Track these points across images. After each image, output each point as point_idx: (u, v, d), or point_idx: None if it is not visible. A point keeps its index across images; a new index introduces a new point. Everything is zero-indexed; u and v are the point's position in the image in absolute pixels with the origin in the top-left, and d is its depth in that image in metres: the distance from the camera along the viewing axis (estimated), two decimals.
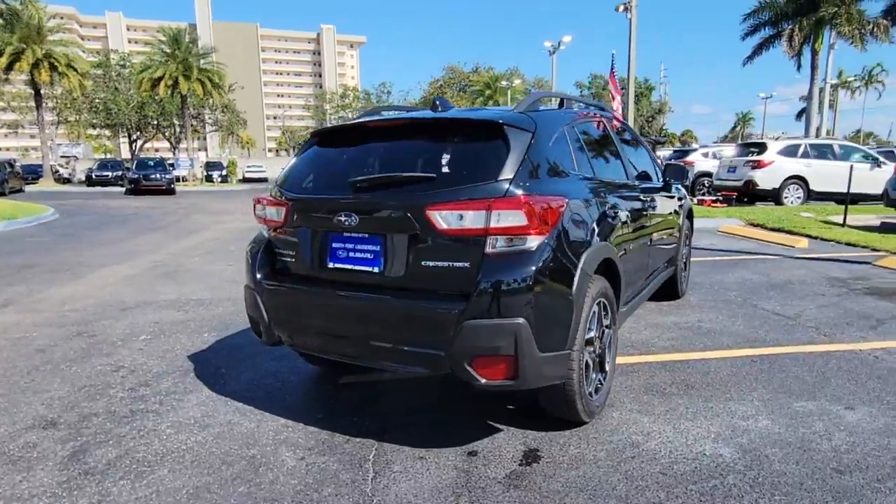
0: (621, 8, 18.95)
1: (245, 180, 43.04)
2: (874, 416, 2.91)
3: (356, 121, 3.09)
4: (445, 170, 2.50)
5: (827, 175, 13.30)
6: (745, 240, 9.02)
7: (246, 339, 4.35)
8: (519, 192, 2.39)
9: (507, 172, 2.44)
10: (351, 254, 2.68)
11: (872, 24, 27.79)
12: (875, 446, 2.61)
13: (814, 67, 30.24)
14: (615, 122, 4.11)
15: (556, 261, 2.43)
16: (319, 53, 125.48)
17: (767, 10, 29.66)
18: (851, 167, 10.84)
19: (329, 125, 3.53)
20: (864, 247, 7.85)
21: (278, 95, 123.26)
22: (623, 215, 3.26)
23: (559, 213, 2.48)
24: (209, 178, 36.25)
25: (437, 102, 3.13)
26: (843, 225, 9.71)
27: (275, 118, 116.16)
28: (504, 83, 49.49)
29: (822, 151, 13.90)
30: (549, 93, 3.12)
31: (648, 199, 3.90)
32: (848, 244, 8.13)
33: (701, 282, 5.94)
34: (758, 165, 13.42)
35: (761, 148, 13.82)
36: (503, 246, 2.36)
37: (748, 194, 13.85)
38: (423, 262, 2.46)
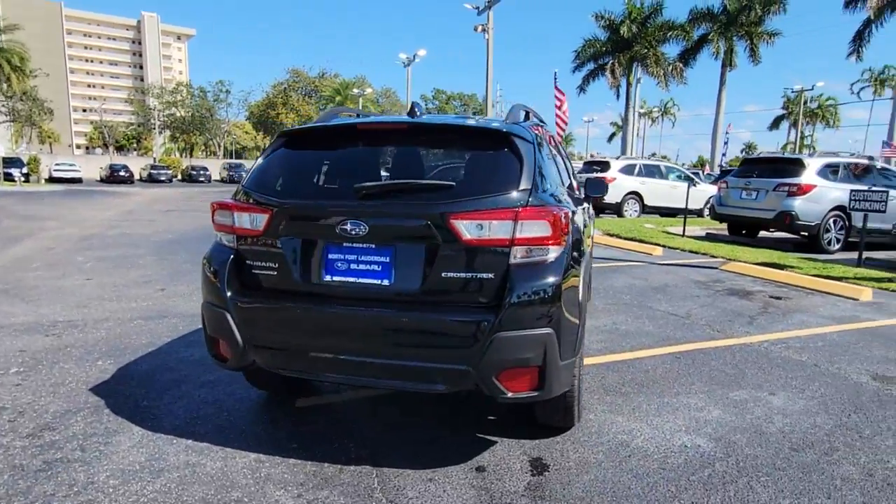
0: (479, 28, 19.99)
1: (54, 180, 37.04)
2: (793, 399, 3.41)
3: (346, 122, 2.86)
4: (463, 178, 2.42)
5: (657, 192, 15.39)
6: (609, 248, 10.01)
7: (153, 364, 3.77)
8: (538, 202, 2.40)
9: (524, 182, 2.43)
10: (353, 266, 2.46)
11: (671, 66, 32.80)
12: (808, 425, 3.06)
13: (628, 97, 34.87)
14: (554, 137, 4.32)
15: (570, 270, 2.47)
16: (140, 43, 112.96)
17: (592, 48, 33.59)
18: (689, 186, 12.65)
19: (300, 126, 3.27)
20: (703, 254, 9.18)
21: (88, 86, 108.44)
22: (582, 226, 3.44)
23: (570, 223, 2.54)
24: (8, 178, 30.50)
25: (416, 108, 3.02)
26: (682, 235, 11.26)
27: (84, 111, 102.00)
28: (356, 90, 49.24)
29: (652, 171, 16.00)
30: (523, 105, 3.17)
31: (588, 210, 4.16)
32: (691, 251, 9.44)
33: (596, 286, 6.46)
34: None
35: (604, 166, 15.47)
36: (526, 256, 2.34)
37: (595, 207, 15.42)
38: (443, 274, 2.35)
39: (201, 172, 46.64)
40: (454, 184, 2.42)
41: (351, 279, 2.45)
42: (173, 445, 2.71)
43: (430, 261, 2.36)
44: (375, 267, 2.43)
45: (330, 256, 2.49)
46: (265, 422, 3.03)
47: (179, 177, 48.50)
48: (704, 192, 15.80)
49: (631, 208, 15.35)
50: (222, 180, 46.90)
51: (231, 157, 66.18)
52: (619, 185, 15.02)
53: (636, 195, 15.35)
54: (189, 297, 5.65)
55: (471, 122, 2.84)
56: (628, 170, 15.50)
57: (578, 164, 16.95)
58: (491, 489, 2.40)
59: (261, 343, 2.55)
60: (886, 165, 12.36)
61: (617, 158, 16.58)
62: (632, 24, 31.36)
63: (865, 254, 8.22)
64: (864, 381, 3.74)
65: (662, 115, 71.05)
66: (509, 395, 2.32)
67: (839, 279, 6.96)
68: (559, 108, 16.42)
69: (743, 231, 11.62)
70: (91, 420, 2.95)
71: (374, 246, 2.43)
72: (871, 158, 11.17)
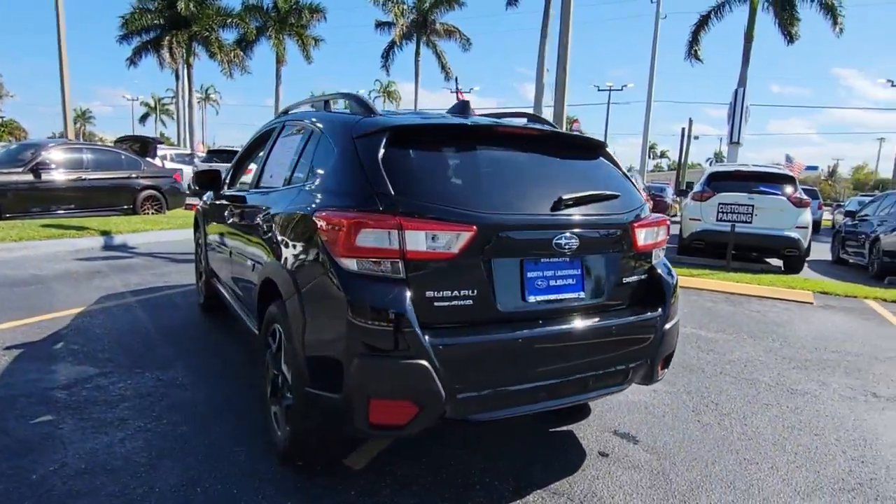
0: None
1: None
2: None
3: (484, 122, 2.48)
4: (611, 187, 2.57)
5: None
6: None
7: None
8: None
9: (641, 193, 2.79)
10: (552, 282, 2.29)
11: (232, 52, 32.72)
12: None
13: (190, 79, 32.96)
14: None
15: None
16: None
17: (142, 18, 30.07)
18: None
19: (435, 122, 2.46)
20: None
21: None
22: None
23: None
24: None
25: (464, 108, 2.84)
26: None
27: None
28: None
29: None
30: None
31: None
32: None
33: None
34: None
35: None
36: (658, 257, 2.73)
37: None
38: (622, 280, 2.50)
39: None
40: (619, 194, 2.56)
41: (552, 296, 2.29)
42: None
43: (613, 268, 2.47)
44: (570, 280, 2.35)
45: (529, 275, 2.24)
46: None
47: None
48: None
49: None
50: None
51: None
52: None
53: None
54: None
55: (568, 131, 2.90)
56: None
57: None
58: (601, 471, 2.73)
59: (466, 389, 2.06)
60: None
61: None
62: (190, 1, 29.49)
63: None
64: None
65: (205, 100, 68.97)
66: (660, 376, 2.69)
67: None
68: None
69: None
70: None
71: (567, 259, 2.34)
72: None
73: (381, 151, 2.18)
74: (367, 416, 2.02)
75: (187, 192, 13.63)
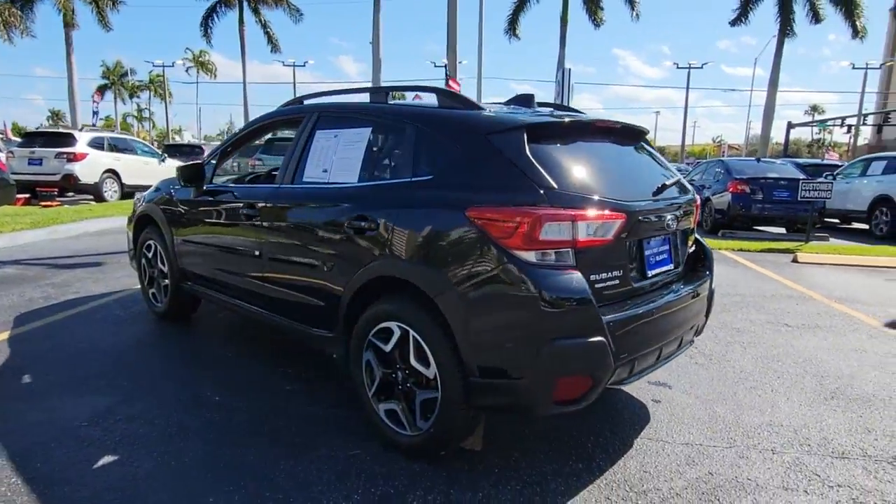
0: None
1: None
2: None
3: (586, 118, 2.66)
4: (672, 170, 2.97)
5: (134, 170, 13.84)
6: None
7: None
8: None
9: None
10: (657, 258, 2.64)
11: (7, 10, 27.35)
12: None
13: None
14: None
15: None
16: None
17: None
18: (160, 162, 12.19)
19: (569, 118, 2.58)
20: None
21: None
22: None
23: None
24: None
25: (528, 100, 3.03)
26: None
27: None
28: None
29: (123, 145, 14.13)
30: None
31: None
32: None
33: None
34: (74, 158, 12.25)
35: (68, 139, 12.55)
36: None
37: (70, 189, 12.46)
38: (687, 250, 2.93)
39: None
40: (681, 176, 2.96)
41: (660, 269, 2.65)
42: None
43: (684, 241, 2.89)
44: (664, 256, 2.71)
45: (646, 253, 2.56)
46: None
47: None
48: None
49: (110, 188, 13.25)
50: None
51: None
52: (92, 163, 12.69)
53: (114, 174, 13.33)
54: None
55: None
56: (97, 143, 13.16)
57: None
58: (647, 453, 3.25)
59: (623, 358, 2.33)
60: None
61: (81, 130, 13.66)
62: None
63: None
64: None
65: None
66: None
67: None
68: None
69: None
70: None
71: (662, 238, 2.69)
72: None
73: (528, 147, 2.31)
74: (553, 394, 2.19)
75: (13, 182, 11.40)
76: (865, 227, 12.36)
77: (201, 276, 3.94)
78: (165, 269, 4.31)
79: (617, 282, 2.39)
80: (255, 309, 3.46)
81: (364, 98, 3.47)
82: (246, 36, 31.39)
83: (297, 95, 3.70)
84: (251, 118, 32.03)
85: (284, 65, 46.50)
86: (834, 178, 12.11)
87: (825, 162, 20.43)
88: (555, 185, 2.23)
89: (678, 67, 46.17)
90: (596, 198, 2.29)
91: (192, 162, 3.82)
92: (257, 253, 3.31)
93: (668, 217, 2.63)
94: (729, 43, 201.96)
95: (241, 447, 2.65)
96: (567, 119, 2.60)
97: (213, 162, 3.92)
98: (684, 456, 2.69)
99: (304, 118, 3.29)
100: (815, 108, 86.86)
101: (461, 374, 2.30)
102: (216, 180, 3.97)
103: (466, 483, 2.41)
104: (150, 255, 4.49)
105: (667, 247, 2.75)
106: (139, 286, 4.90)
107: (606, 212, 2.28)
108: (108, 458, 2.54)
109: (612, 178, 2.54)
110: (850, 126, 26.90)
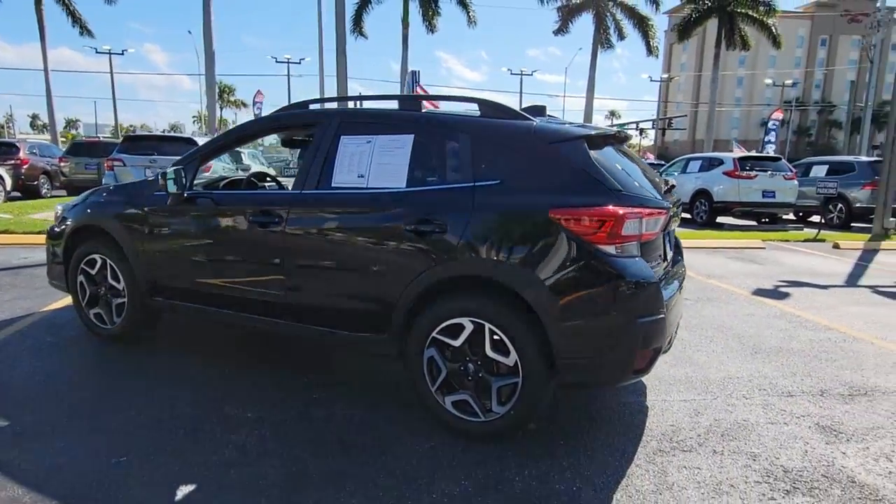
0: None
1: None
2: None
3: (605, 129, 3.02)
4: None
5: None
6: None
7: None
8: None
9: None
10: (668, 249, 3.14)
11: None
12: None
13: None
14: None
15: None
16: None
17: None
18: None
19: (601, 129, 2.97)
20: None
21: None
22: None
23: None
24: None
25: (541, 110, 3.37)
26: None
27: None
28: None
29: None
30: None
31: None
32: None
33: None
34: None
35: None
36: None
37: None
38: (672, 242, 3.50)
39: None
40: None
41: (670, 252, 3.16)
42: None
43: (671, 235, 3.45)
44: (667, 247, 3.24)
45: (665, 243, 3.05)
46: None
47: None
48: None
49: None
50: None
51: None
52: None
53: None
54: None
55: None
56: None
57: None
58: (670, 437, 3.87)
59: (670, 332, 2.79)
60: None
61: None
62: None
63: None
64: None
65: None
66: None
67: None
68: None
69: None
70: None
71: (667, 232, 3.21)
72: None
73: (591, 154, 2.65)
74: (632, 366, 2.57)
75: None
76: (688, 216, 14.81)
77: (185, 289, 3.63)
78: (120, 286, 3.86)
79: (660, 268, 2.85)
80: (265, 319, 3.33)
81: (367, 104, 3.53)
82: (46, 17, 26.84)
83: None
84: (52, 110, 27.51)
85: (98, 52, 40.93)
86: (661, 175, 14.31)
87: (648, 162, 23.78)
88: (620, 188, 2.60)
89: (512, 74, 49.80)
90: (650, 197, 2.72)
91: (174, 167, 3.47)
92: (277, 261, 3.20)
93: (674, 213, 3.16)
94: (538, 52, 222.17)
95: (325, 458, 2.63)
96: (604, 130, 3.00)
97: (192, 166, 3.63)
98: (691, 409, 3.26)
99: (320, 123, 3.25)
100: (613, 113, 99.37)
101: (545, 358, 2.58)
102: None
103: (539, 454, 2.70)
104: (92, 271, 3.97)
105: (666, 239, 3.30)
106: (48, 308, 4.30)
107: (657, 209, 2.72)
108: None
109: (640, 179, 2.99)
110: (641, 129, 33.76)
